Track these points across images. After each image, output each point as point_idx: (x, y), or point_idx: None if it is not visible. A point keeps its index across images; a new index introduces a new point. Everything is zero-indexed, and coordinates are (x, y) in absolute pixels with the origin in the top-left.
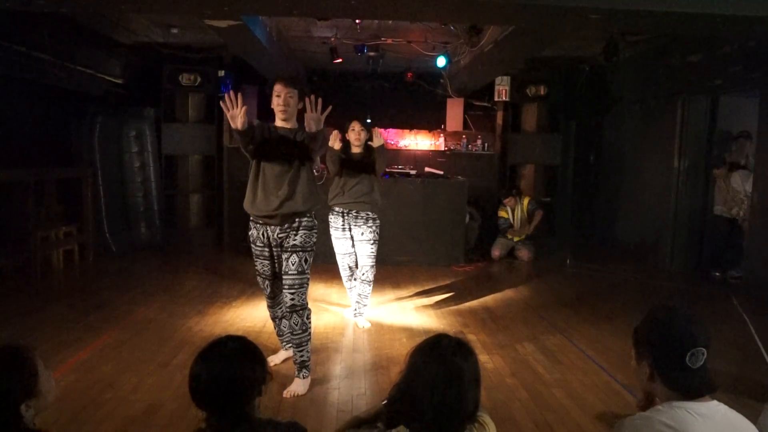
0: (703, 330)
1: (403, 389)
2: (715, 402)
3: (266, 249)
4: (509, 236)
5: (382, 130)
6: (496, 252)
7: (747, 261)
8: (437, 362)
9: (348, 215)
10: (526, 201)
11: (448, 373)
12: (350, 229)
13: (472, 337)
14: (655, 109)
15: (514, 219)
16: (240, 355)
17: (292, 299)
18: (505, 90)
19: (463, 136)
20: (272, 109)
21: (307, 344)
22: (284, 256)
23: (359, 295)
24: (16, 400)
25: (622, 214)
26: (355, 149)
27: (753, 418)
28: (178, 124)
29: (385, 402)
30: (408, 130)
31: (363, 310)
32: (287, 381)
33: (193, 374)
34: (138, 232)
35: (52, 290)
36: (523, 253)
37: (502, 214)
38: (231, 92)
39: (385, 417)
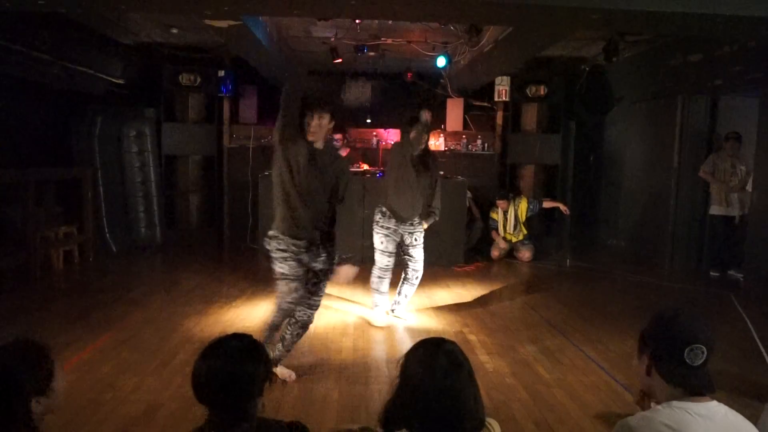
0: (705, 329)
1: (401, 399)
2: (715, 403)
3: None
4: (501, 237)
5: (380, 130)
6: (495, 252)
7: (747, 261)
8: (434, 386)
9: None
10: (523, 203)
11: (447, 397)
12: None
13: (472, 338)
14: (655, 109)
15: (506, 221)
16: (244, 352)
17: None
18: (505, 90)
19: (463, 136)
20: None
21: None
22: None
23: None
24: (29, 393)
25: (621, 214)
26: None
27: (753, 419)
28: (178, 124)
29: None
30: None
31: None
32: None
33: (197, 370)
34: (138, 232)
35: (52, 290)
36: (523, 253)
37: (492, 215)
38: None
39: (383, 421)
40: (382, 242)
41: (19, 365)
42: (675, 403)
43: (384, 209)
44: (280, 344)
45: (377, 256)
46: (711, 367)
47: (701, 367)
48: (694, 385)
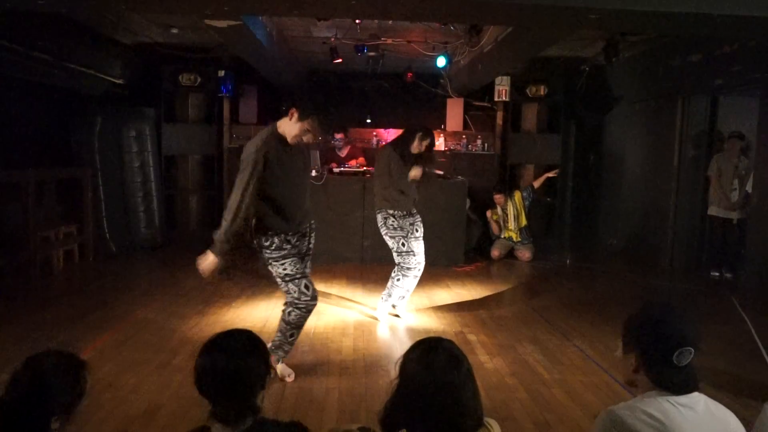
0: (693, 329)
1: (401, 399)
2: (696, 393)
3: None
4: (505, 235)
5: (381, 130)
6: (495, 252)
7: (747, 261)
8: (433, 383)
9: None
10: (518, 194)
11: (446, 393)
12: None
13: (472, 338)
14: (655, 109)
15: (507, 216)
16: (246, 346)
17: None
18: (505, 90)
19: (463, 136)
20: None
21: None
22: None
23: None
24: (53, 409)
25: (621, 213)
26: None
27: (753, 418)
28: (178, 124)
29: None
30: None
31: (380, 303)
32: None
33: (200, 365)
34: (138, 232)
35: (52, 290)
36: (523, 253)
37: (493, 217)
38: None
39: (383, 421)
40: (403, 243)
41: (53, 378)
42: (657, 394)
43: (393, 211)
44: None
45: (403, 258)
46: (711, 367)
47: (687, 366)
48: (679, 385)
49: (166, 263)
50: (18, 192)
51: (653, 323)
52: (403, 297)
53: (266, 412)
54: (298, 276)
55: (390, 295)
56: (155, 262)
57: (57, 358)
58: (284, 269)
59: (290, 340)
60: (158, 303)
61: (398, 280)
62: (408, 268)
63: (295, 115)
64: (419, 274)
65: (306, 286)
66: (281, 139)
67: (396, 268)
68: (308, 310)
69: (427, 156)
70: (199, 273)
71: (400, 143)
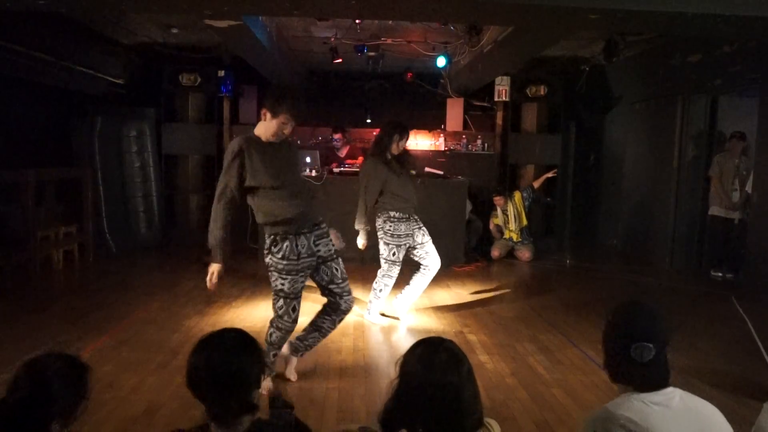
0: (654, 325)
1: (401, 399)
2: (671, 388)
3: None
4: (506, 236)
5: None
6: (495, 252)
7: (747, 261)
8: (434, 383)
9: None
10: (517, 195)
11: (446, 393)
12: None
13: (472, 338)
14: (655, 109)
15: (507, 218)
16: (239, 344)
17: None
18: (505, 90)
19: (463, 136)
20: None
21: None
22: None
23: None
24: (54, 413)
25: (622, 213)
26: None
27: (753, 418)
28: (178, 124)
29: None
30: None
31: (369, 308)
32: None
33: (194, 365)
34: (138, 232)
35: (52, 290)
36: (523, 253)
37: (495, 221)
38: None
39: (383, 421)
40: (395, 253)
41: (55, 381)
42: (632, 394)
43: (393, 213)
44: (317, 333)
45: (388, 266)
46: (711, 367)
47: (650, 363)
48: (643, 382)
49: (166, 263)
50: (18, 192)
51: (613, 319)
52: (414, 295)
53: (266, 413)
54: (291, 296)
55: (369, 311)
56: (155, 262)
57: (60, 362)
58: (282, 284)
59: (273, 359)
60: (158, 303)
61: (380, 290)
62: (390, 277)
63: (268, 115)
64: (434, 273)
65: (294, 309)
66: (259, 139)
67: (378, 278)
68: (287, 332)
69: (406, 153)
70: (207, 279)
71: (380, 151)
